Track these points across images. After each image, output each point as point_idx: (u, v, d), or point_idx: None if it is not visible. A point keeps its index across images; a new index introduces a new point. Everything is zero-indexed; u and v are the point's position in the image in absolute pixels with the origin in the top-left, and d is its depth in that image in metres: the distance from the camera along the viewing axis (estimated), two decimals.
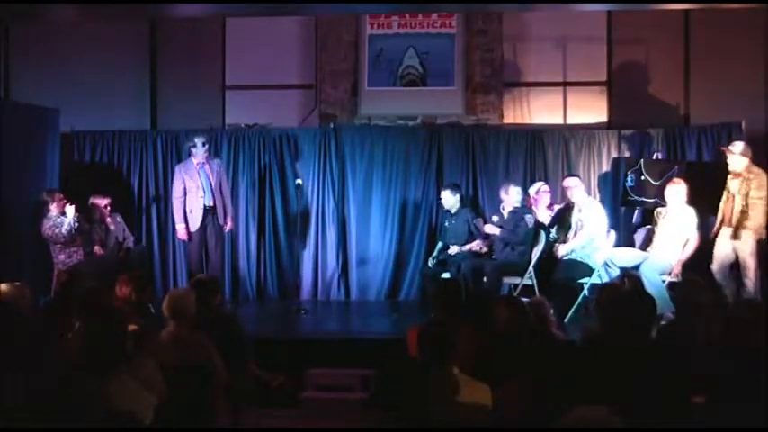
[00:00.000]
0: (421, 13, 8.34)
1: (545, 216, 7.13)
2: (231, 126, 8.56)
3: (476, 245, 7.19)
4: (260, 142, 8.30)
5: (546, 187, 7.47)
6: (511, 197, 7.15)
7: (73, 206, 6.92)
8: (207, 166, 7.30)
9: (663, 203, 6.76)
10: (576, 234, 6.77)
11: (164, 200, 8.25)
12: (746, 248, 6.21)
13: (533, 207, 7.23)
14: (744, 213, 6.23)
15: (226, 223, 7.38)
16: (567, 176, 7.34)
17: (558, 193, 7.69)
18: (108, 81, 8.60)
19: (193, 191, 7.25)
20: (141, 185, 8.36)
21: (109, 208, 7.46)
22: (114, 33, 8.69)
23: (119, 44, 8.80)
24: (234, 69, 8.75)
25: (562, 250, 6.74)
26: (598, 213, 6.79)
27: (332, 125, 8.35)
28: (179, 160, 7.85)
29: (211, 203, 7.27)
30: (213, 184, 7.27)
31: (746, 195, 6.24)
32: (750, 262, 6.19)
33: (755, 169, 6.34)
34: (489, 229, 7.14)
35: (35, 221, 7.17)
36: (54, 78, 8.49)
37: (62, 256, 6.99)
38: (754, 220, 6.21)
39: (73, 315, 4.25)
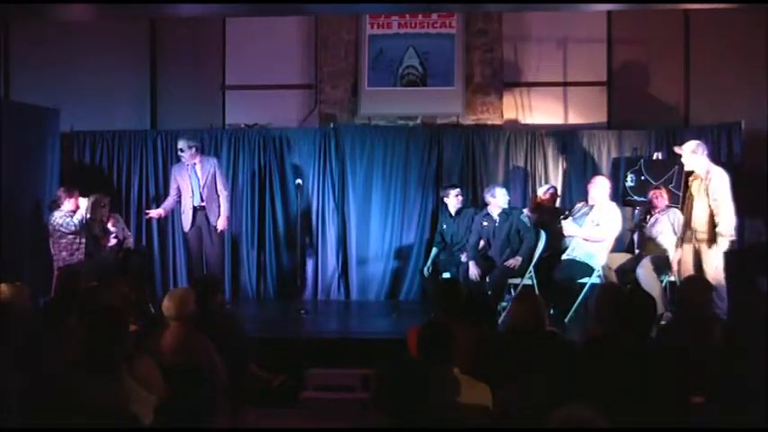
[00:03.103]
0: (421, 13, 8.34)
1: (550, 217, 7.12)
2: (231, 126, 8.56)
3: (473, 269, 6.87)
4: (260, 142, 8.30)
5: (553, 189, 7.46)
6: (498, 200, 6.99)
7: (86, 199, 7.00)
8: (198, 167, 7.28)
9: None
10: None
11: (164, 200, 8.24)
12: (715, 257, 5.78)
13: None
14: (711, 218, 5.80)
15: (218, 223, 7.27)
16: (595, 175, 7.28)
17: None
18: (108, 81, 8.60)
19: (185, 191, 7.27)
20: (141, 185, 8.36)
21: (107, 207, 7.47)
22: (114, 33, 8.68)
23: (119, 44, 8.80)
24: (234, 69, 8.75)
25: (567, 228, 6.72)
26: (615, 217, 6.75)
27: (332, 125, 8.35)
28: (179, 160, 7.83)
29: (201, 204, 7.27)
30: (202, 184, 7.25)
31: (707, 197, 5.81)
32: (718, 273, 5.71)
33: (715, 168, 5.96)
34: (513, 262, 6.81)
35: (40, 217, 7.20)
36: (54, 78, 8.49)
37: (64, 254, 7.00)
38: (721, 224, 5.76)
39: (73, 315, 4.25)
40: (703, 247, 5.85)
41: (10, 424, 3.06)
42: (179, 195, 7.32)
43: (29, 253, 7.37)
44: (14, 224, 7.29)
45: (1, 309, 3.99)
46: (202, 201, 7.25)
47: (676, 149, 6.18)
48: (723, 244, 5.78)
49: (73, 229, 6.96)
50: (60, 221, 6.97)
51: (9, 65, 8.74)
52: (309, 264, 8.28)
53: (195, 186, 7.25)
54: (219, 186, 7.32)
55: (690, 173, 6.15)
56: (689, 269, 5.90)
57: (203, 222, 7.27)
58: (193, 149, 7.26)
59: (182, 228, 7.50)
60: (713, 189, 5.81)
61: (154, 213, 7.45)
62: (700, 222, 5.88)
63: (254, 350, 4.87)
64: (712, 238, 5.80)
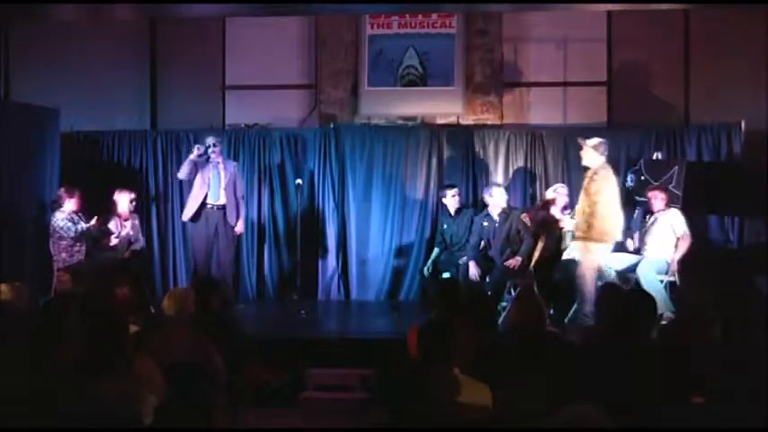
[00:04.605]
0: (421, 13, 8.34)
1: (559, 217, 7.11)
2: (231, 126, 8.56)
3: (473, 269, 6.94)
4: (260, 142, 8.31)
5: (563, 189, 7.37)
6: (496, 199, 7.07)
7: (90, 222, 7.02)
8: (221, 166, 7.29)
9: None
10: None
11: (163, 200, 8.27)
12: (589, 257, 5.80)
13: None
14: (590, 217, 5.78)
15: (236, 225, 7.32)
16: None
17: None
18: (108, 81, 8.60)
19: (201, 184, 7.24)
20: (141, 185, 8.36)
21: (134, 203, 7.51)
22: (114, 33, 8.68)
23: (119, 44, 8.80)
24: (234, 69, 8.75)
25: (567, 224, 6.74)
26: (618, 219, 6.74)
27: (332, 125, 8.35)
28: (179, 160, 7.85)
29: (219, 203, 7.25)
30: (224, 184, 7.25)
31: (589, 197, 5.79)
32: (588, 275, 5.73)
33: (605, 170, 5.90)
34: (513, 262, 6.86)
35: (40, 217, 7.20)
36: (54, 78, 8.48)
37: (64, 255, 7.00)
38: (595, 225, 5.75)
39: (73, 315, 4.25)
40: (579, 243, 5.91)
41: (10, 424, 3.06)
42: (194, 175, 7.24)
43: (30, 253, 7.36)
44: (15, 224, 7.28)
45: (1, 309, 3.99)
46: (218, 200, 7.25)
47: (579, 141, 6.10)
48: (597, 246, 5.82)
49: (72, 235, 6.96)
50: (61, 224, 6.96)
51: (9, 65, 8.74)
52: (310, 264, 8.27)
53: (215, 185, 7.24)
54: (239, 190, 7.37)
55: (586, 169, 6.10)
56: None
57: (220, 222, 7.26)
58: (219, 147, 7.29)
59: (182, 218, 7.48)
60: (595, 188, 5.78)
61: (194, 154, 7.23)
62: (579, 219, 5.91)
63: (254, 350, 4.88)
64: (586, 237, 5.80)
